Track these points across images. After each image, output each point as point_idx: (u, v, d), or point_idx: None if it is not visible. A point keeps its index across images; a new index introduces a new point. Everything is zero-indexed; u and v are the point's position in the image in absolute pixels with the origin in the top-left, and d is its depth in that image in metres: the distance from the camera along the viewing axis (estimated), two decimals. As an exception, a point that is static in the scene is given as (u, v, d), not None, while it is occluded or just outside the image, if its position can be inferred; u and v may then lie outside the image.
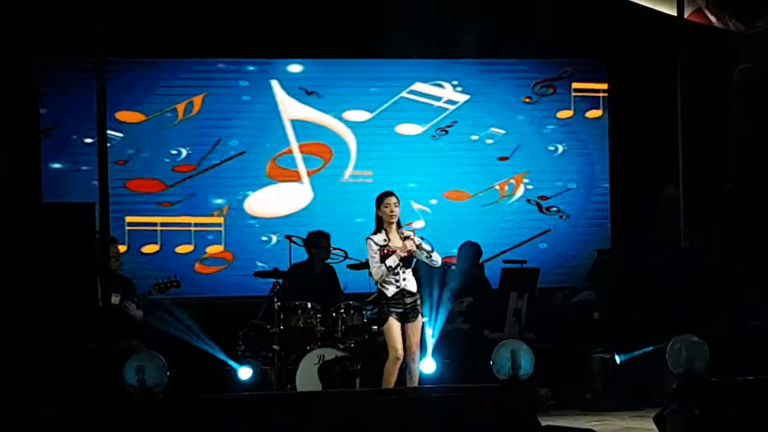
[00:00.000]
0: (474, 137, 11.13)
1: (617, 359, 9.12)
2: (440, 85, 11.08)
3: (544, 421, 6.91)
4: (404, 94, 11.05)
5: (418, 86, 11.07)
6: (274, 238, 10.75)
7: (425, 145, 11.08)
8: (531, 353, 6.64)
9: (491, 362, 6.62)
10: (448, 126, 11.09)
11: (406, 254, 8.19)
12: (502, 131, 11.17)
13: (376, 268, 8.20)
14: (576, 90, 11.30)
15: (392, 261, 8.15)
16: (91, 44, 7.41)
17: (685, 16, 8.79)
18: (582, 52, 11.17)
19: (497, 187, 11.17)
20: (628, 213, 11.13)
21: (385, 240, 8.21)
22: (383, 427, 6.45)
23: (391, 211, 8.22)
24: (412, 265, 8.31)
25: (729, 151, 9.66)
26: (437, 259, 8.34)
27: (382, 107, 11.00)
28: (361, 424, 6.43)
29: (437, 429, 6.43)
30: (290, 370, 8.88)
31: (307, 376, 8.71)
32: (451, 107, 11.10)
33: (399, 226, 8.34)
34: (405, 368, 8.30)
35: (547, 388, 9.33)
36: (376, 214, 8.31)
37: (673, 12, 8.80)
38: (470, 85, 11.14)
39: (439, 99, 11.09)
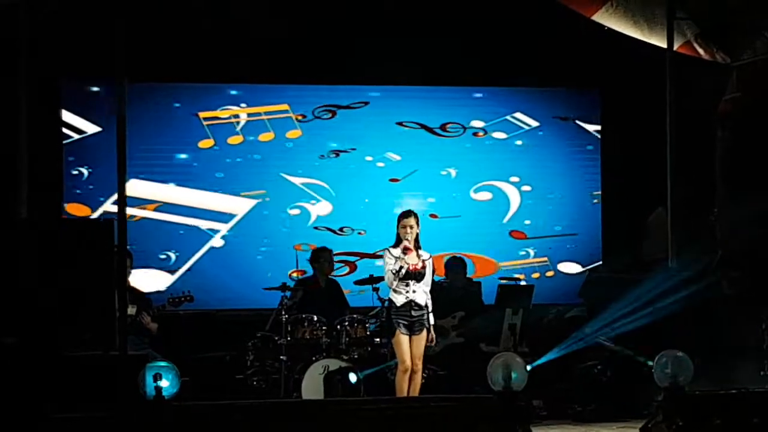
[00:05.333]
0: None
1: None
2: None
3: (537, 431, 7.21)
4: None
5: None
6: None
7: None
8: (524, 366, 6.83)
9: (487, 374, 6.83)
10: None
11: (412, 269, 8.37)
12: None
13: (387, 275, 8.40)
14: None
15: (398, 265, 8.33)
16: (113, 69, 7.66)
17: (675, 48, 9.11)
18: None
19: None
20: (619, 234, 11.33)
21: (399, 255, 8.38)
22: (384, 435, 6.62)
23: (406, 232, 8.39)
24: (423, 280, 8.45)
25: (715, 177, 9.86)
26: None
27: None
28: (363, 432, 6.62)
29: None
30: (296, 380, 9.10)
31: (312, 386, 8.96)
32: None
33: (418, 245, 8.48)
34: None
35: (539, 400, 9.47)
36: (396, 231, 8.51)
37: (663, 44, 9.13)
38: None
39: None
